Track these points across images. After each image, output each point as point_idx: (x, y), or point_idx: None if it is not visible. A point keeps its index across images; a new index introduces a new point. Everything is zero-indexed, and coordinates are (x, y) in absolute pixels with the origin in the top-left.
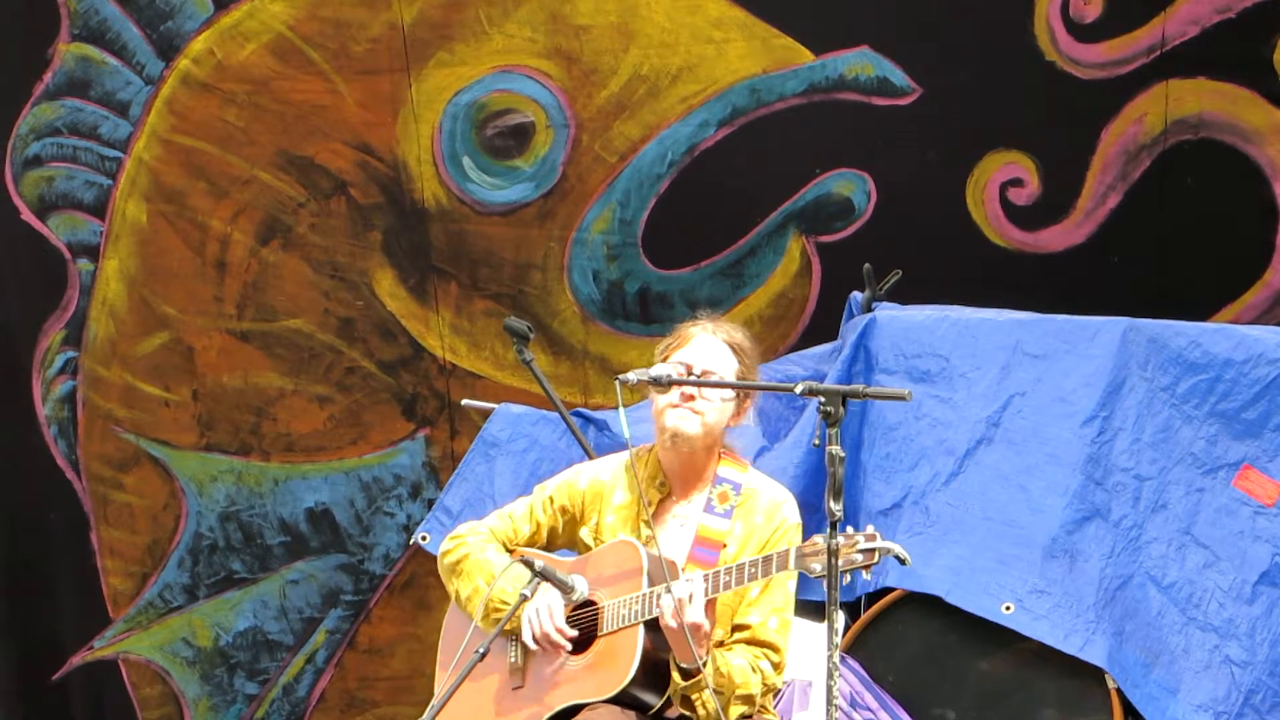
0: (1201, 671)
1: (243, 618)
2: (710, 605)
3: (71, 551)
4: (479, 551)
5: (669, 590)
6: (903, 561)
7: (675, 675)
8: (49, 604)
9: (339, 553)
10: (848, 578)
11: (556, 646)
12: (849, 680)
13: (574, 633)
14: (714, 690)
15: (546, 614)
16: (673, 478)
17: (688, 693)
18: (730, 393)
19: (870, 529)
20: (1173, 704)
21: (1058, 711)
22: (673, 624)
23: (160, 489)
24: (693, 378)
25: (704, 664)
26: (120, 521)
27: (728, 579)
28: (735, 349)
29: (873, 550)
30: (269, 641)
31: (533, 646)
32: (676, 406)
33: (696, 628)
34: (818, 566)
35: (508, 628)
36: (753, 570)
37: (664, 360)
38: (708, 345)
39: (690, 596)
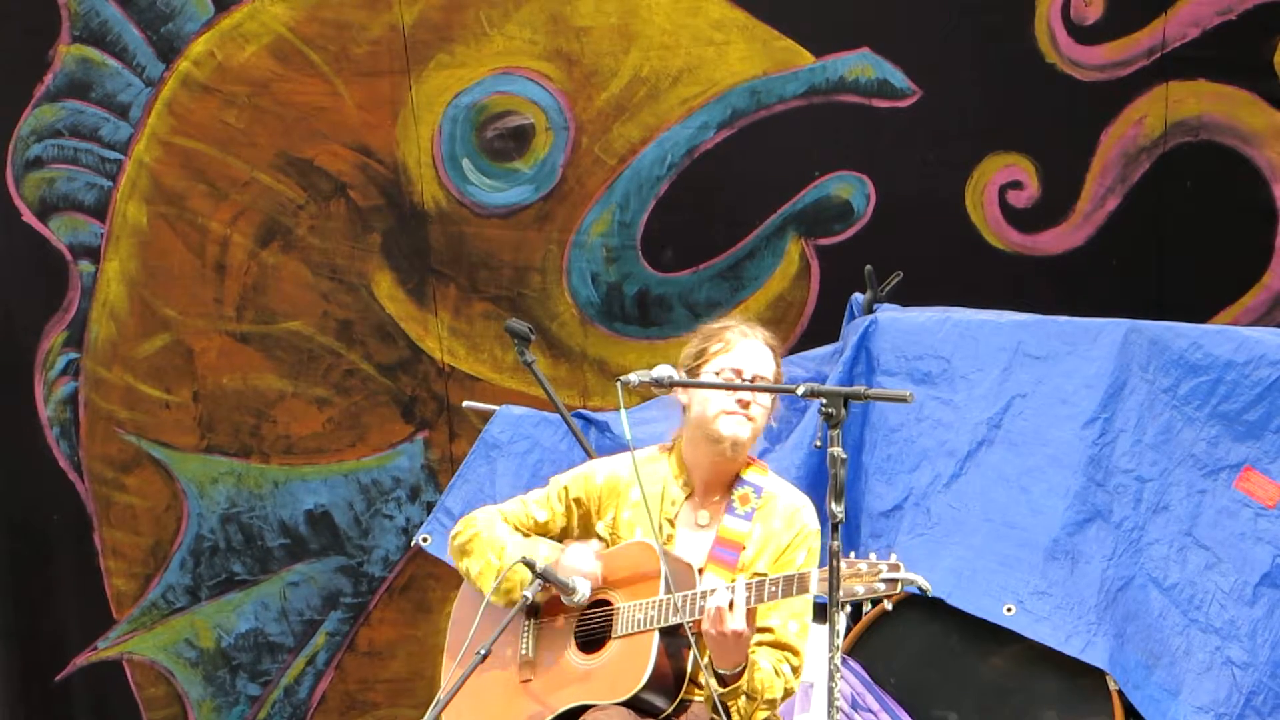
0: (1203, 673)
1: (244, 619)
2: (751, 613)
3: (74, 552)
4: (489, 530)
5: (705, 595)
6: (925, 593)
7: (712, 681)
8: (52, 605)
9: (338, 555)
10: (868, 605)
11: None
12: (850, 682)
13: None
14: (748, 695)
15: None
16: (699, 479)
17: (725, 699)
18: (769, 398)
19: (894, 558)
20: (1174, 706)
21: (1059, 713)
22: (713, 631)
23: (162, 490)
24: (707, 381)
25: (743, 669)
26: (123, 523)
27: (758, 593)
28: (774, 351)
29: (896, 580)
30: (270, 643)
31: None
32: (733, 414)
33: (739, 634)
34: (860, 589)
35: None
36: (784, 587)
37: (702, 364)
38: (754, 350)
39: (731, 605)
